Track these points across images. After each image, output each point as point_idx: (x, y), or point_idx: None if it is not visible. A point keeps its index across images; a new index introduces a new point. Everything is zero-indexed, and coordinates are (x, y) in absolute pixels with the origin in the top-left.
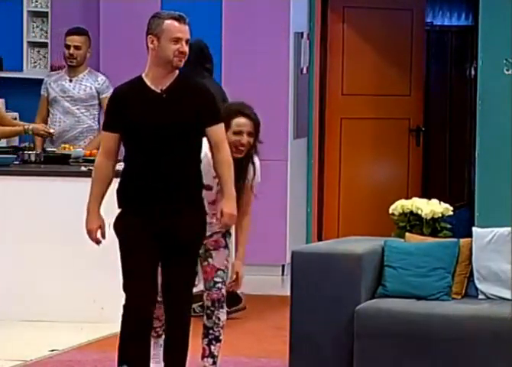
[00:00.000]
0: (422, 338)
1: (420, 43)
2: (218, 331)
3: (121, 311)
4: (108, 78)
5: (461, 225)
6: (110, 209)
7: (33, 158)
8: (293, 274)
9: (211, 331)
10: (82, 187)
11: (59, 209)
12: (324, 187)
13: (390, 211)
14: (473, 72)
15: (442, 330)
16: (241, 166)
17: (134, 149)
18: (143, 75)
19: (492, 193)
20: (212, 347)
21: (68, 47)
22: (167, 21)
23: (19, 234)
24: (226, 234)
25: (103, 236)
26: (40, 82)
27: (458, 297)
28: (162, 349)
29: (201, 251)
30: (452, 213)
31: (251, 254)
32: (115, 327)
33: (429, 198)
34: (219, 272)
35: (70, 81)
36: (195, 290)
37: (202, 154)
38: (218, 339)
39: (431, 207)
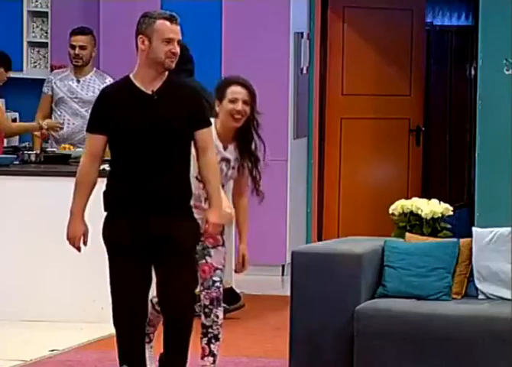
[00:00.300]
0: (422, 338)
1: (420, 43)
2: (217, 329)
3: None
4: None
5: (461, 225)
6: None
7: (33, 158)
8: (293, 274)
9: (210, 330)
10: None
11: (59, 209)
12: (324, 187)
13: (390, 211)
14: (473, 72)
15: (441, 330)
16: (242, 141)
17: (122, 152)
18: (131, 76)
19: (492, 193)
20: (212, 346)
21: (73, 47)
22: (159, 21)
23: (19, 234)
24: (223, 231)
25: (85, 243)
26: (40, 81)
27: (458, 297)
28: (152, 350)
29: (199, 248)
30: (452, 213)
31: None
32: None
33: (429, 198)
34: (218, 271)
35: (78, 82)
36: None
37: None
38: (217, 338)
39: (431, 207)
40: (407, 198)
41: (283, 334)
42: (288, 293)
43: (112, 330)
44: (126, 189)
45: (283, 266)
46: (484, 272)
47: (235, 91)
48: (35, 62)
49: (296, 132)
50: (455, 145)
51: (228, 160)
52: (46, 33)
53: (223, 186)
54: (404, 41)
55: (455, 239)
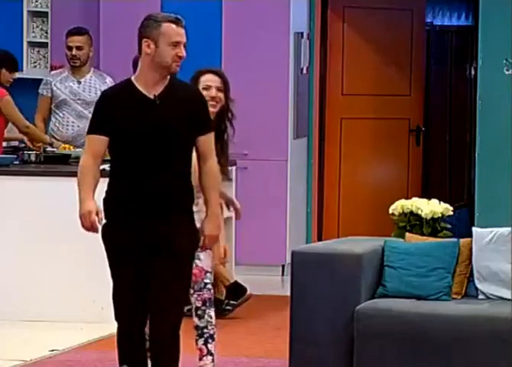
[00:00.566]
0: (421, 338)
1: (420, 43)
2: (212, 329)
3: None
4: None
5: (461, 225)
6: None
7: (33, 158)
8: (293, 274)
9: (205, 330)
10: None
11: (59, 209)
12: (324, 187)
13: (390, 211)
14: (473, 72)
15: (441, 330)
16: (216, 130)
17: (122, 155)
18: (132, 79)
19: (492, 193)
20: (209, 345)
21: (70, 48)
22: (165, 24)
23: (19, 234)
24: None
25: (100, 221)
26: (40, 81)
27: (458, 297)
28: None
29: None
30: (451, 213)
31: (251, 254)
32: (115, 327)
33: (429, 198)
34: (208, 274)
35: (79, 83)
36: None
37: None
38: (213, 338)
39: (431, 207)
40: (407, 198)
41: (283, 334)
42: (288, 293)
43: (112, 330)
44: (126, 193)
45: (283, 266)
46: (484, 272)
47: (208, 79)
48: (35, 62)
49: (296, 132)
50: (455, 145)
51: None
52: (47, 33)
53: None
54: (404, 41)
55: (455, 239)
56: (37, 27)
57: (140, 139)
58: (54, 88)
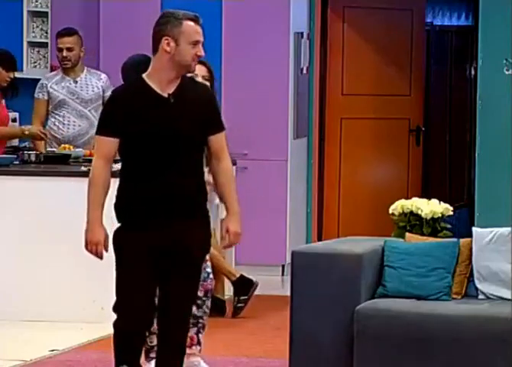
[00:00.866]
0: (421, 338)
1: (420, 43)
2: (206, 320)
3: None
4: (109, 77)
5: (461, 225)
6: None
7: (33, 158)
8: (293, 274)
9: (200, 320)
10: (82, 187)
11: (59, 209)
12: (324, 187)
13: (390, 211)
14: (473, 72)
15: (441, 330)
16: None
17: (137, 157)
18: (145, 77)
19: (492, 193)
20: (200, 335)
21: (60, 49)
22: (185, 22)
23: (19, 234)
24: None
25: (106, 249)
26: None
27: (458, 297)
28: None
29: None
30: (451, 213)
31: (251, 254)
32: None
33: (429, 198)
34: (208, 263)
35: (75, 82)
36: None
37: None
38: (204, 328)
39: (431, 207)
40: (407, 198)
41: (283, 334)
42: (288, 293)
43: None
44: (142, 195)
45: (283, 266)
46: (484, 272)
47: (197, 68)
48: (35, 62)
49: (296, 132)
50: (455, 145)
51: None
52: (47, 33)
53: None
54: (404, 41)
55: (455, 239)
56: (37, 27)
57: (155, 139)
58: (51, 90)
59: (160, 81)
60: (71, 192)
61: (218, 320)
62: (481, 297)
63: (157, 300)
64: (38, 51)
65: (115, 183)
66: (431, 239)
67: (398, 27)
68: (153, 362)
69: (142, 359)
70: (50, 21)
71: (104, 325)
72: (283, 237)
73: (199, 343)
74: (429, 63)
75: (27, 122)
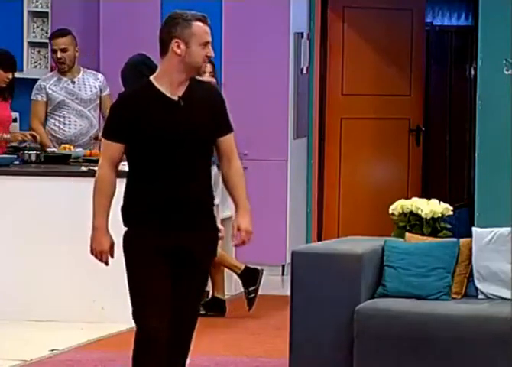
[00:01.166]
0: (421, 337)
1: (420, 43)
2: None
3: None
4: (108, 78)
5: (461, 225)
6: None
7: (33, 158)
8: (293, 274)
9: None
10: (82, 187)
11: (60, 208)
12: (324, 187)
13: (390, 211)
14: (473, 72)
15: (441, 330)
16: None
17: (146, 161)
18: (153, 80)
19: (492, 193)
20: None
21: (55, 51)
22: (195, 23)
23: (19, 234)
24: None
25: (112, 256)
26: None
27: (457, 297)
28: None
29: None
30: (451, 213)
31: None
32: (115, 327)
33: (429, 198)
34: None
35: (73, 82)
36: None
37: None
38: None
39: (431, 207)
40: (407, 198)
41: (283, 334)
42: (288, 293)
43: (112, 330)
44: (153, 199)
45: (283, 266)
46: (484, 272)
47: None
48: (35, 62)
49: (296, 132)
50: (454, 145)
51: None
52: (47, 33)
53: None
54: (404, 41)
55: (454, 239)
56: (38, 27)
57: (166, 143)
58: (49, 91)
59: (170, 84)
60: (71, 192)
61: (218, 320)
62: (480, 296)
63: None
64: (38, 51)
65: (121, 184)
66: (431, 239)
67: (398, 27)
68: None
69: None
70: (51, 21)
71: (104, 325)
72: (283, 237)
73: None
74: (429, 63)
75: (28, 122)
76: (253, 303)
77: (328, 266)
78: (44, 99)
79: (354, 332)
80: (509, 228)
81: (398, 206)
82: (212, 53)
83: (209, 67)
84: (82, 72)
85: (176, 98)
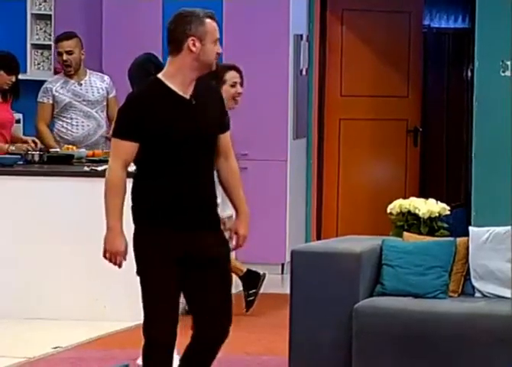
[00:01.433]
0: (419, 335)
1: (418, 45)
2: None
3: (122, 310)
4: (111, 79)
5: (458, 224)
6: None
7: (36, 158)
8: (293, 272)
9: None
10: (85, 187)
11: (63, 208)
12: (323, 187)
13: (388, 210)
14: (470, 74)
15: (439, 328)
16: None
17: (159, 161)
18: (162, 79)
19: (488, 192)
20: None
21: (60, 53)
22: (207, 21)
23: (22, 233)
24: None
25: (125, 258)
26: (43, 83)
27: (454, 295)
28: None
29: None
30: (448, 213)
31: (252, 253)
32: (117, 325)
33: (427, 198)
34: None
35: (80, 84)
36: None
37: None
38: None
39: (428, 207)
40: (405, 198)
41: (282, 332)
42: (288, 292)
43: (114, 328)
44: (165, 200)
45: (282, 265)
46: (481, 271)
47: (234, 76)
48: (39, 64)
49: (296, 133)
50: (451, 146)
51: None
52: (50, 35)
53: None
54: (402, 43)
55: (452, 238)
56: (41, 29)
57: (181, 142)
58: (56, 94)
59: (182, 82)
60: (74, 191)
61: None
62: (477, 295)
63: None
64: (42, 53)
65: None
66: (428, 238)
67: (396, 29)
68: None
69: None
70: (54, 24)
71: (106, 323)
72: (283, 236)
73: None
74: (427, 64)
75: (31, 124)
76: (251, 306)
77: (327, 265)
78: (51, 102)
79: (353, 330)
80: (505, 228)
81: (396, 206)
82: (220, 50)
83: (238, 78)
84: (88, 74)
85: (187, 96)
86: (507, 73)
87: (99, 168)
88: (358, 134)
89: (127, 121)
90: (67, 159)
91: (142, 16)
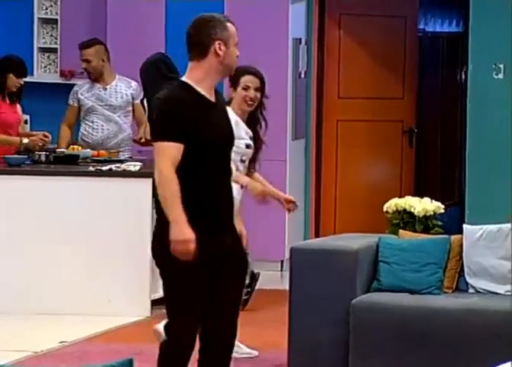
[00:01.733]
0: (414, 329)
1: (413, 48)
2: None
3: (126, 305)
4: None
5: (452, 222)
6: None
7: (43, 158)
8: (292, 269)
9: None
10: (90, 186)
11: (69, 207)
12: (321, 186)
13: (385, 209)
14: (463, 76)
15: (433, 322)
16: (252, 121)
17: (195, 164)
18: (190, 82)
19: (481, 192)
20: None
21: (82, 61)
22: (229, 24)
23: (30, 232)
24: None
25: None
26: (50, 85)
27: (449, 291)
28: None
29: None
30: (443, 211)
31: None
32: (121, 320)
33: (422, 196)
34: None
35: (105, 89)
36: None
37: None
38: None
39: (423, 205)
40: (401, 197)
41: (282, 327)
42: (287, 288)
43: (118, 323)
44: (202, 202)
45: (282, 262)
46: (475, 267)
47: (247, 80)
48: (45, 66)
49: (295, 134)
50: (446, 146)
51: (250, 146)
52: (56, 39)
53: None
54: (398, 47)
55: (446, 236)
56: (47, 33)
57: (215, 146)
58: (81, 97)
59: (209, 86)
60: (80, 191)
61: None
62: (471, 291)
63: None
64: (48, 56)
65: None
66: (423, 236)
67: (392, 33)
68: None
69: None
70: (60, 28)
71: (111, 318)
72: (283, 234)
73: None
74: (422, 67)
75: (39, 124)
76: (245, 305)
77: (325, 262)
78: (76, 104)
79: (350, 325)
80: (498, 226)
81: (392, 205)
82: (238, 53)
83: (255, 82)
84: (116, 79)
85: (213, 100)
86: (500, 76)
87: (104, 168)
88: (355, 135)
89: (171, 123)
90: (73, 159)
91: (145, 20)
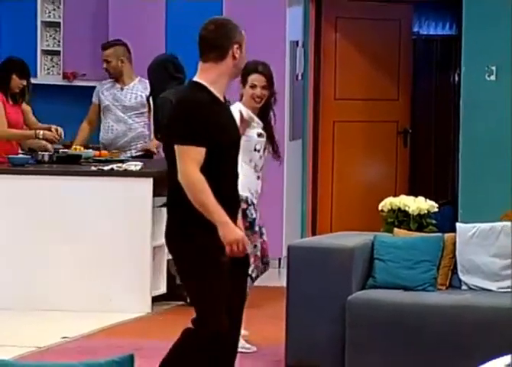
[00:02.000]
0: (408, 326)
1: (408, 51)
2: None
3: (127, 302)
4: None
5: (445, 221)
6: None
7: (46, 158)
8: (289, 266)
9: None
10: (92, 186)
11: (72, 206)
12: (318, 186)
13: (380, 208)
14: (457, 78)
15: (427, 319)
16: (262, 115)
17: (213, 166)
18: (206, 85)
19: (474, 191)
20: None
21: (103, 61)
22: (241, 29)
23: (34, 229)
24: None
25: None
26: (53, 87)
27: (442, 288)
28: None
29: (256, 229)
30: (436, 210)
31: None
32: (123, 316)
33: (416, 196)
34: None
35: (122, 89)
36: None
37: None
38: None
39: (417, 204)
40: (395, 196)
41: (279, 323)
42: (284, 285)
43: (119, 319)
44: (221, 201)
45: (279, 259)
46: (467, 265)
47: (254, 78)
48: (48, 69)
49: (292, 134)
50: (440, 146)
51: (262, 134)
52: (59, 42)
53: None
54: (393, 49)
55: (439, 234)
56: (51, 36)
57: (231, 147)
58: (101, 95)
59: (221, 87)
60: (82, 190)
61: None
62: (464, 287)
63: None
64: (51, 59)
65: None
66: (417, 234)
67: (387, 36)
68: None
69: None
70: (63, 31)
71: (112, 314)
72: (280, 232)
73: None
74: (416, 69)
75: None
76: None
77: (321, 259)
78: (97, 102)
79: (346, 321)
80: (490, 224)
81: (387, 203)
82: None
83: (261, 81)
84: (136, 80)
85: (222, 100)
86: (492, 78)
87: (106, 168)
88: (351, 136)
89: (193, 126)
90: (75, 159)
91: (146, 23)
